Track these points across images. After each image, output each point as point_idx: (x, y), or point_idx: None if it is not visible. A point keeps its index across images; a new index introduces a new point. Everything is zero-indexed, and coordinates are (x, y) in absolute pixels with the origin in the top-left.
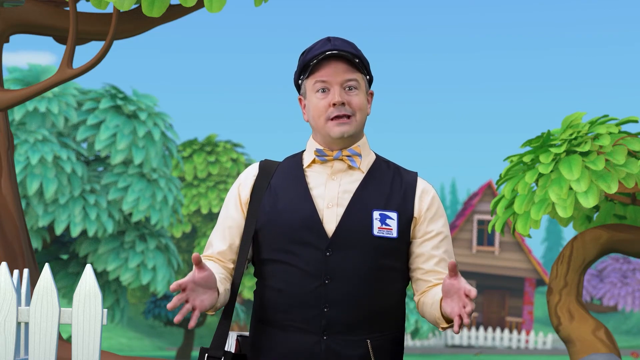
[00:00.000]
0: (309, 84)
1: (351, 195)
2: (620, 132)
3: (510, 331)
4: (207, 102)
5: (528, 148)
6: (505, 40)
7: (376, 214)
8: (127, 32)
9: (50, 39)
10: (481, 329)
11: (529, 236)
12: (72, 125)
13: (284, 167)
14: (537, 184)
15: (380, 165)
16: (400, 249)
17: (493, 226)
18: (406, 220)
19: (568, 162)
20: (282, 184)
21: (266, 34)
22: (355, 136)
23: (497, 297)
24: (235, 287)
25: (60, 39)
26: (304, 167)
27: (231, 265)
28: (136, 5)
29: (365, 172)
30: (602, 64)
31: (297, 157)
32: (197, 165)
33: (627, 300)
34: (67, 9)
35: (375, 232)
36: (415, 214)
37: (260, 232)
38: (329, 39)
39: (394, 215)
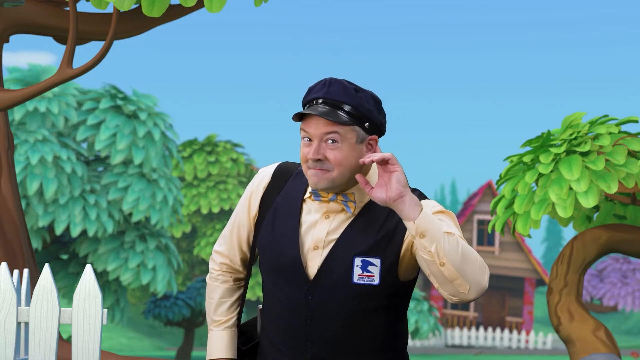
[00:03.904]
0: (300, 130)
1: (336, 238)
2: (620, 132)
3: (510, 331)
4: (207, 102)
5: (528, 148)
6: (505, 40)
7: (357, 261)
8: (127, 32)
9: (50, 39)
10: (481, 329)
11: (529, 236)
12: (72, 125)
13: (291, 185)
14: (537, 184)
15: (374, 204)
16: (385, 293)
17: (493, 226)
18: (390, 265)
19: (568, 162)
20: (282, 209)
21: (266, 33)
22: (341, 186)
23: (497, 297)
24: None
25: (60, 39)
26: (305, 197)
27: (242, 267)
28: (136, 5)
29: (357, 214)
30: (602, 64)
31: (304, 180)
32: (197, 165)
33: (627, 300)
34: (67, 9)
35: (355, 279)
36: (405, 242)
37: (259, 253)
38: (325, 84)
39: (376, 261)
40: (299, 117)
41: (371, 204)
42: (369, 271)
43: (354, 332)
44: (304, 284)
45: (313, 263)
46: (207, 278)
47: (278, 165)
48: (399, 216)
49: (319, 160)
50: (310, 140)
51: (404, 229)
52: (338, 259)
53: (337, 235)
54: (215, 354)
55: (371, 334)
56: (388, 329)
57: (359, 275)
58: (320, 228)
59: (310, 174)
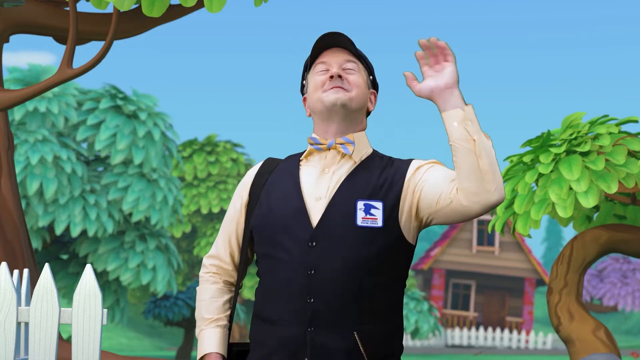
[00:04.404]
0: (311, 74)
1: (338, 186)
2: (620, 132)
3: (510, 331)
4: (207, 102)
5: (528, 148)
6: (505, 40)
7: (360, 204)
8: (127, 32)
9: (50, 39)
10: (481, 329)
11: (529, 236)
12: (72, 125)
13: (283, 164)
14: (537, 184)
15: (374, 158)
16: (388, 239)
17: (493, 226)
18: (392, 209)
19: (568, 162)
20: (277, 181)
21: (266, 33)
22: (351, 115)
23: (497, 297)
24: (236, 288)
25: (60, 39)
26: (300, 159)
27: (232, 267)
28: (136, 5)
29: (358, 163)
30: (602, 64)
31: (297, 154)
32: (197, 165)
33: (627, 300)
34: (67, 9)
35: (359, 222)
36: (404, 186)
37: (254, 229)
38: (333, 33)
39: (378, 204)
40: (308, 65)
41: (369, 158)
42: (371, 214)
43: (356, 284)
44: (307, 233)
45: (315, 212)
46: (197, 288)
47: (263, 161)
48: (446, 106)
49: (339, 77)
50: (324, 71)
51: (403, 177)
52: (341, 204)
53: (337, 184)
54: (207, 349)
55: (374, 292)
56: (389, 291)
57: (362, 218)
58: (321, 181)
59: (330, 92)
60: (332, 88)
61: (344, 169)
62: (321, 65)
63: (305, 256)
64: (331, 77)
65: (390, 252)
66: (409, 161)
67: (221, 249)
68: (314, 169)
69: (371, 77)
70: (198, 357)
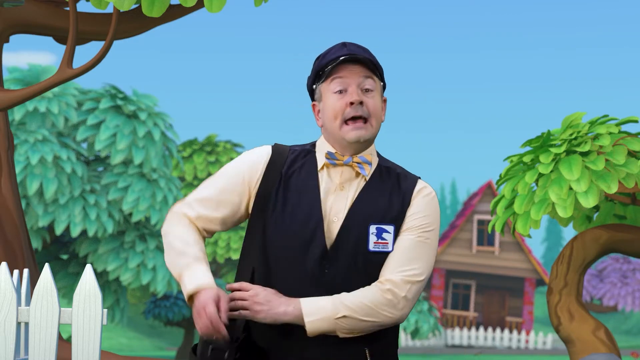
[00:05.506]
0: (324, 86)
1: (349, 206)
2: (620, 132)
3: (510, 331)
4: (207, 102)
5: (528, 148)
6: (505, 40)
7: (373, 229)
8: (127, 32)
9: (50, 39)
10: (481, 329)
11: (529, 236)
12: (72, 125)
13: (297, 161)
14: (537, 184)
15: (381, 173)
16: None
17: (493, 226)
18: (398, 231)
19: (568, 162)
20: (295, 183)
21: (266, 33)
22: (369, 142)
23: (497, 297)
24: None
25: (60, 39)
26: (318, 169)
27: (211, 230)
28: (136, 5)
29: (367, 180)
30: (602, 64)
31: (311, 155)
32: (197, 165)
33: (627, 300)
34: (67, 9)
35: (371, 247)
36: (405, 218)
37: (266, 231)
38: (344, 44)
39: (390, 228)
40: (322, 75)
41: (376, 173)
42: (383, 238)
43: None
44: (321, 255)
45: (330, 234)
46: (169, 220)
47: (272, 148)
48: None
49: (360, 104)
50: (341, 92)
51: (409, 201)
52: (354, 228)
53: (351, 203)
54: (202, 282)
55: None
56: None
57: (374, 242)
58: (339, 199)
59: (349, 128)
60: (352, 121)
61: (357, 187)
62: (338, 82)
63: (317, 278)
64: (351, 103)
65: None
66: (413, 183)
67: (212, 216)
68: (332, 183)
69: (382, 83)
70: (187, 293)
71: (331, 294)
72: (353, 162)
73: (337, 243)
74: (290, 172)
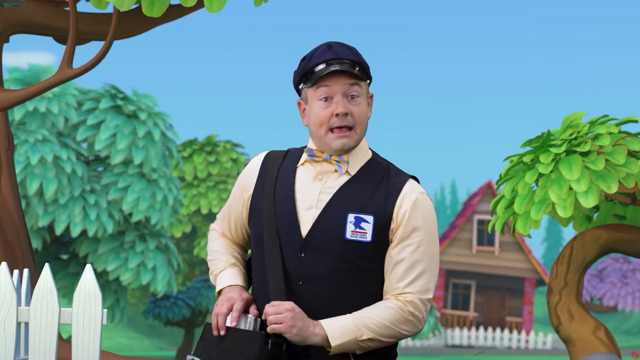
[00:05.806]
0: (310, 91)
1: (330, 197)
2: (620, 132)
3: (510, 331)
4: (207, 102)
5: (528, 148)
6: (505, 40)
7: (351, 217)
8: (127, 32)
9: (50, 39)
10: (481, 329)
11: (529, 236)
12: (72, 125)
13: (286, 161)
14: (537, 184)
15: (371, 167)
16: (376, 253)
17: (493, 226)
18: (383, 224)
19: (568, 162)
20: (279, 179)
21: (266, 33)
22: (354, 147)
23: (497, 297)
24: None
25: (60, 39)
26: (298, 165)
27: (239, 243)
28: (136, 5)
29: (352, 175)
30: (602, 64)
31: (298, 154)
32: (197, 165)
33: (627, 300)
34: (67, 9)
35: (348, 235)
36: (393, 217)
37: (249, 226)
38: (329, 46)
39: (369, 218)
40: (306, 80)
41: (365, 167)
42: (361, 228)
43: (342, 296)
44: (297, 243)
45: (306, 222)
46: (210, 240)
47: (266, 154)
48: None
49: (345, 115)
50: (327, 100)
51: (395, 197)
52: (331, 216)
53: (330, 195)
54: (229, 282)
55: (361, 303)
56: (377, 301)
57: (351, 231)
58: (313, 189)
59: (334, 136)
60: (337, 130)
61: (339, 179)
62: (323, 91)
63: (294, 266)
64: (337, 114)
65: (380, 266)
66: (403, 181)
67: (231, 236)
68: (308, 174)
69: (368, 80)
70: (218, 289)
71: (308, 282)
72: (331, 159)
73: (313, 231)
74: (279, 171)
